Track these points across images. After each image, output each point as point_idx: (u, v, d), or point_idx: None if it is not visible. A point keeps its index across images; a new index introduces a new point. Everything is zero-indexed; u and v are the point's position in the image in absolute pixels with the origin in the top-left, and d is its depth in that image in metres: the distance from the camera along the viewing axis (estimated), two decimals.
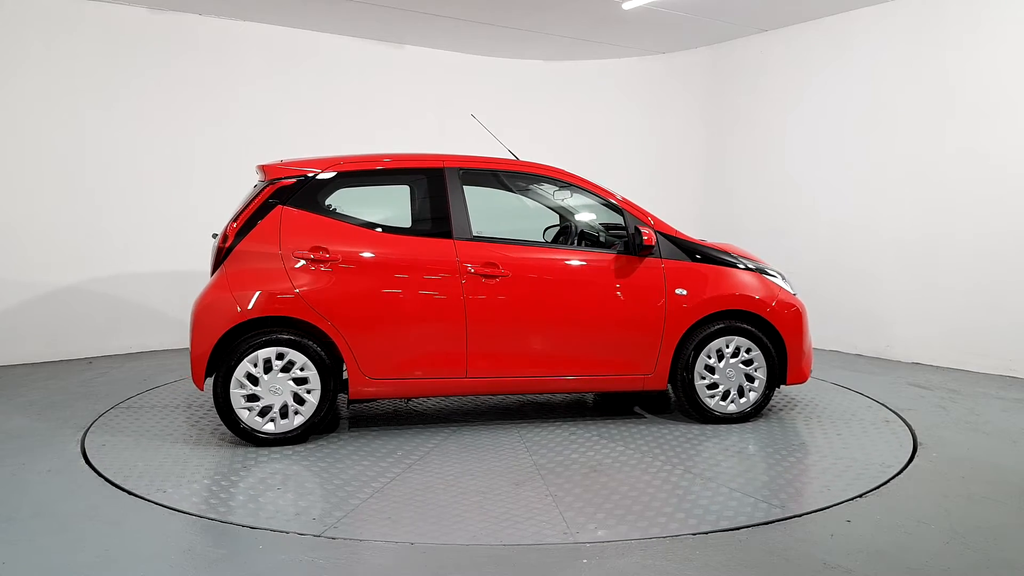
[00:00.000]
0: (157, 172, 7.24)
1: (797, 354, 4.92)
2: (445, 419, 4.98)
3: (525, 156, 5.33)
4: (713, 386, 4.83)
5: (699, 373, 4.79)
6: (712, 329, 4.78)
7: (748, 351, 4.84)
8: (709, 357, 4.80)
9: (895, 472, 3.95)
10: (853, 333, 7.32)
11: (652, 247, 4.70)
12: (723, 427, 4.78)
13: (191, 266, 7.21)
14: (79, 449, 4.31)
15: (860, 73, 7.16)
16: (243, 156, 7.44)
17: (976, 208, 6.37)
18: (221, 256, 4.40)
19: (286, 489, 3.73)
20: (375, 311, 4.42)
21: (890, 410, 5.19)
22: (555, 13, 7.24)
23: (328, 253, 4.39)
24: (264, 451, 4.28)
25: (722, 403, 4.85)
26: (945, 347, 6.63)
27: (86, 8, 6.81)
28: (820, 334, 7.54)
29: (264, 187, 4.49)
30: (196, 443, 4.43)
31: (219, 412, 4.28)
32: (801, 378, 4.96)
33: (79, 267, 6.92)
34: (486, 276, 4.54)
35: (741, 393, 4.88)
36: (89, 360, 6.85)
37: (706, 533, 3.21)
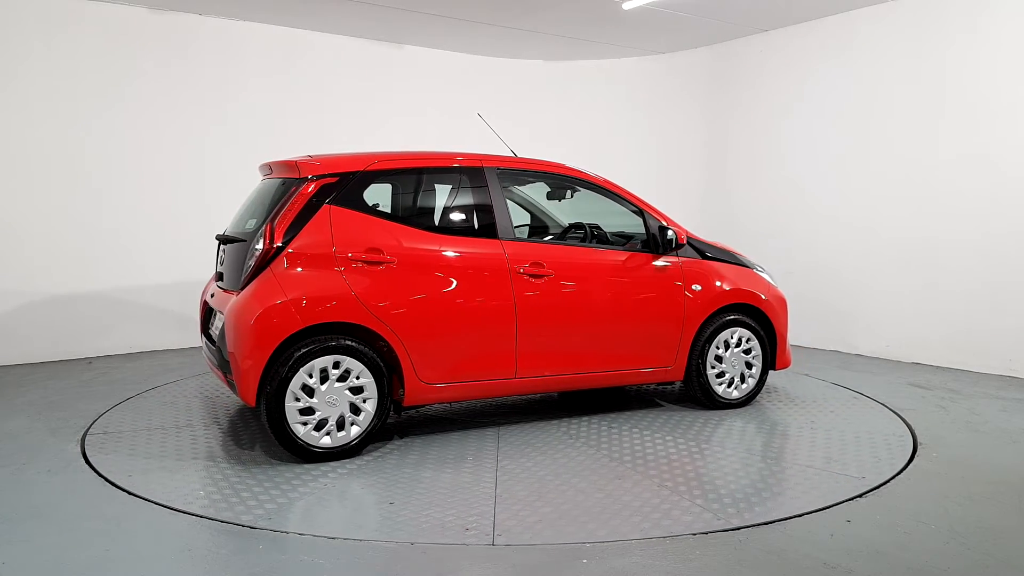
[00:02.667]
0: (157, 172, 7.24)
1: (783, 342, 5.42)
2: (470, 420, 4.95)
3: (526, 156, 5.33)
4: (720, 374, 5.18)
5: (710, 363, 5.13)
6: (720, 322, 5.14)
7: (748, 340, 5.24)
8: (717, 348, 5.16)
9: (895, 472, 3.95)
10: (853, 333, 7.32)
11: (683, 246, 5.04)
12: (737, 422, 4.84)
13: (191, 266, 7.22)
14: (79, 449, 4.31)
15: (860, 73, 7.17)
16: (243, 156, 7.46)
17: (976, 208, 6.37)
18: (267, 258, 4.07)
19: (403, 502, 3.55)
20: (432, 314, 4.29)
21: (890, 410, 5.19)
22: (555, 13, 7.24)
23: (382, 254, 4.23)
24: (302, 462, 4.13)
25: (728, 390, 5.22)
26: (945, 347, 6.63)
27: (86, 8, 6.81)
28: (820, 334, 7.57)
29: (304, 184, 4.20)
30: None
31: (272, 428, 3.97)
32: (787, 364, 5.48)
33: (80, 267, 6.91)
34: (533, 276, 4.57)
35: (742, 379, 5.27)
36: (89, 360, 6.85)
37: (706, 533, 3.21)
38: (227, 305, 4.18)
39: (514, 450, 4.34)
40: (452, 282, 4.37)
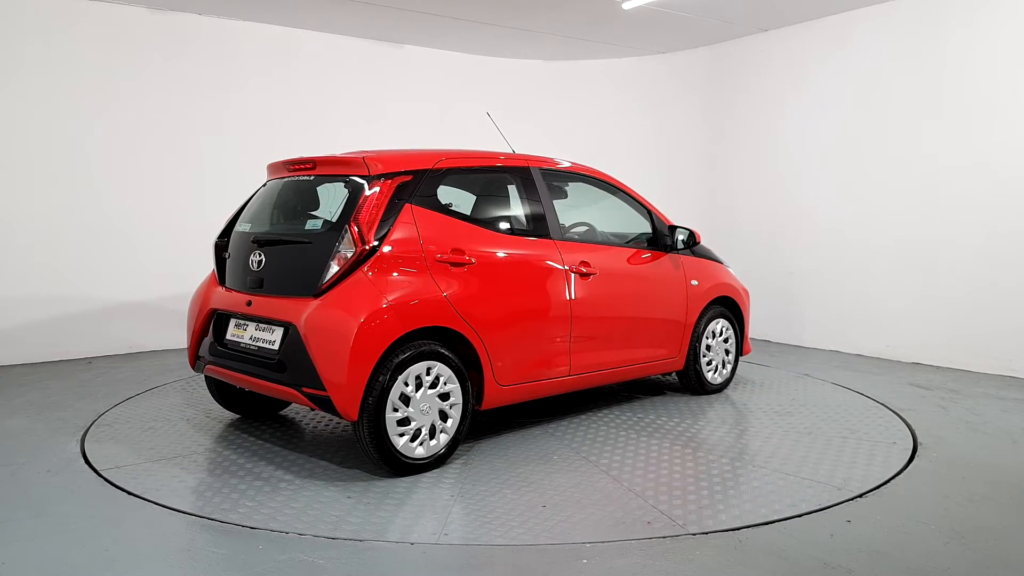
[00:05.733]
0: (157, 171, 7.24)
1: (747, 331, 5.95)
2: (508, 421, 4.92)
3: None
4: (709, 362, 5.61)
5: (701, 352, 5.53)
6: (709, 314, 5.56)
7: (727, 330, 5.74)
8: (707, 338, 5.57)
9: (895, 472, 3.95)
10: (853, 333, 7.32)
11: (699, 243, 5.44)
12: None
13: (191, 266, 7.20)
14: (79, 449, 4.31)
15: (860, 73, 7.16)
16: (243, 155, 7.47)
17: (976, 208, 6.37)
18: (357, 260, 3.80)
19: (553, 505, 3.50)
20: (508, 315, 4.26)
21: (890, 410, 5.19)
22: (555, 13, 7.24)
23: (464, 254, 4.12)
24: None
25: (714, 376, 5.66)
26: (945, 347, 6.63)
27: (86, 8, 6.81)
28: (820, 334, 7.57)
29: (380, 181, 3.96)
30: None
31: (373, 442, 3.75)
32: (748, 350, 6.00)
33: (80, 267, 6.91)
34: (582, 274, 4.66)
35: (723, 365, 5.71)
36: (89, 360, 6.85)
37: (706, 533, 3.21)
38: (301, 313, 3.80)
39: (584, 445, 4.42)
40: (522, 282, 4.38)
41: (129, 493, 3.64)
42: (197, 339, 4.53)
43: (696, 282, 5.42)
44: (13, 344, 6.64)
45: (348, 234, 3.83)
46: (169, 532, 3.24)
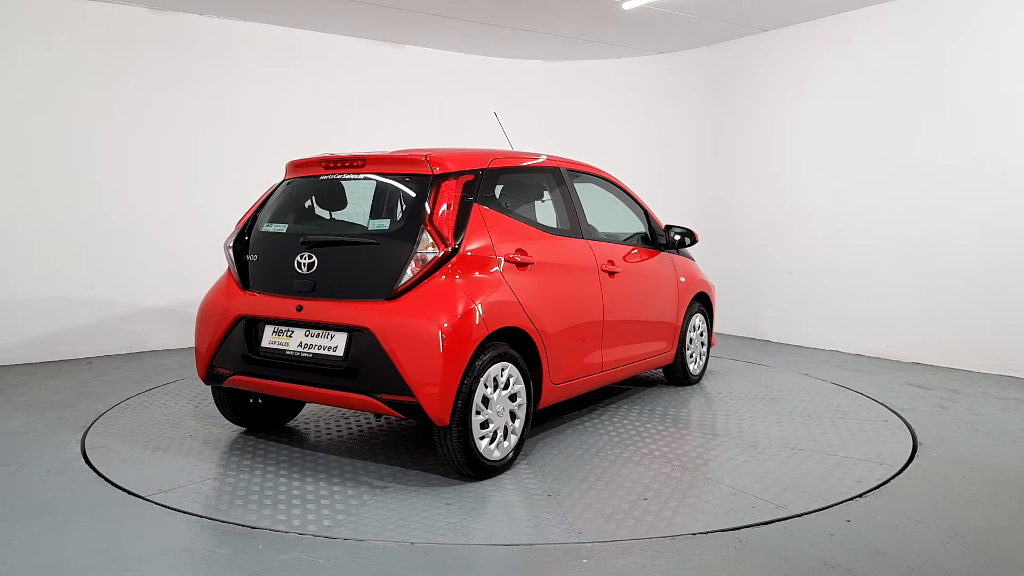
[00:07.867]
0: (157, 172, 7.24)
1: (713, 324, 6.21)
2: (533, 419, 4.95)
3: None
4: (690, 355, 5.90)
5: (686, 346, 5.80)
6: (692, 310, 5.82)
7: (702, 323, 6.01)
8: (690, 332, 5.85)
9: (895, 472, 3.95)
10: (853, 333, 7.32)
11: (697, 242, 5.64)
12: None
13: (191, 266, 7.22)
14: (79, 449, 4.31)
15: (859, 73, 7.16)
16: (243, 155, 7.47)
17: (976, 208, 6.37)
18: (440, 261, 3.70)
19: (653, 498, 3.56)
20: (562, 314, 4.29)
21: (890, 410, 5.19)
22: (555, 13, 7.24)
23: (527, 255, 4.12)
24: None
25: (695, 368, 5.97)
26: (945, 347, 6.63)
27: (86, 8, 6.81)
28: (820, 334, 7.57)
29: (448, 181, 3.86)
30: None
31: (461, 446, 3.66)
32: (714, 343, 6.30)
33: (80, 267, 6.91)
34: (609, 273, 4.79)
35: (700, 357, 6.04)
36: (89, 360, 6.85)
37: (706, 533, 3.21)
38: (375, 317, 3.64)
39: (626, 438, 4.53)
40: (571, 281, 4.46)
41: (129, 493, 3.64)
42: (215, 349, 4.16)
43: (684, 279, 5.67)
44: (13, 344, 6.64)
45: (425, 235, 3.71)
46: (169, 532, 3.24)
